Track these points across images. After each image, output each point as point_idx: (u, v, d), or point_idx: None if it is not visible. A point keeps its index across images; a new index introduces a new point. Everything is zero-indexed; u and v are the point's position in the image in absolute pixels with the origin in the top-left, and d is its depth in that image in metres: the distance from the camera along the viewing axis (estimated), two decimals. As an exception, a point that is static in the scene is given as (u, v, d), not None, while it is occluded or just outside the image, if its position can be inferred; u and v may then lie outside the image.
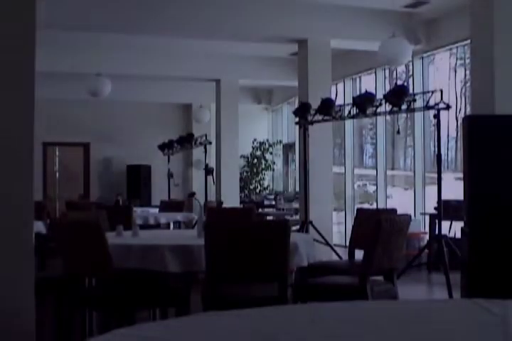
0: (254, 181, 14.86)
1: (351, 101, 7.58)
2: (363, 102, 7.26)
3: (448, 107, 6.37)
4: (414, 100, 6.75)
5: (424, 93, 6.95)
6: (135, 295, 3.99)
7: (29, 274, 3.44)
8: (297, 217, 10.28)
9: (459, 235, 7.70)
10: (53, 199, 14.46)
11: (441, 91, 6.42)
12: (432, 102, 6.49)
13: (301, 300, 4.12)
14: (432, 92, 6.58)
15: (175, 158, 13.96)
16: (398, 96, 6.68)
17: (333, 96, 8.18)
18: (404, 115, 10.96)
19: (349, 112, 7.62)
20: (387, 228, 4.03)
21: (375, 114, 7.39)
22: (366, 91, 7.60)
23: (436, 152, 6.53)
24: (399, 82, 11.02)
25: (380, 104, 7.12)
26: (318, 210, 9.04)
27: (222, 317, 1.90)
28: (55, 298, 4.29)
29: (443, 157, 8.44)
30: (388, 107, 7.03)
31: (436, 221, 6.92)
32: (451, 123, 9.89)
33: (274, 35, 9.65)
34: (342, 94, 11.75)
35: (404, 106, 6.82)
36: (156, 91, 14.27)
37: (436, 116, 6.34)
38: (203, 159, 11.40)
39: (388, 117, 11.13)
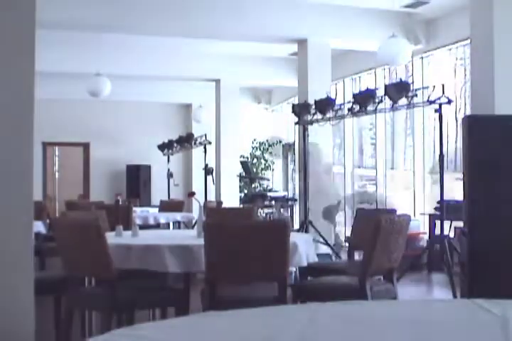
0: (257, 180, 14.83)
1: (351, 101, 7.57)
2: (364, 99, 7.25)
3: (449, 102, 6.32)
4: (416, 95, 6.71)
5: (425, 88, 6.90)
6: (135, 295, 3.99)
7: (29, 274, 3.44)
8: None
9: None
10: (53, 199, 14.47)
11: (443, 86, 6.37)
12: (433, 98, 6.45)
13: (301, 300, 4.12)
14: (434, 86, 6.52)
15: (175, 158, 13.96)
16: (399, 90, 6.66)
17: (332, 96, 8.18)
18: (403, 115, 10.96)
19: (349, 110, 7.60)
20: (387, 228, 4.03)
21: (376, 110, 7.36)
22: (367, 88, 7.59)
23: (439, 151, 6.46)
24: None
25: (381, 101, 7.11)
26: (318, 210, 9.04)
27: (222, 317, 1.90)
28: (55, 298, 4.29)
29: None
30: (389, 104, 7.01)
31: (438, 221, 6.91)
32: (450, 123, 9.88)
33: (274, 35, 9.66)
34: (342, 94, 11.74)
35: (405, 102, 6.79)
36: (156, 91, 14.28)
37: (438, 111, 6.29)
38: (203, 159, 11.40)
39: (388, 118, 11.13)
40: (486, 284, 4.96)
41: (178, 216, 8.73)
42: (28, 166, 3.47)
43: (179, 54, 11.90)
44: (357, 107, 7.42)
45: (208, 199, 10.72)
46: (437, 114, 6.37)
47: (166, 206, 9.80)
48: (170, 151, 12.97)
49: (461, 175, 5.93)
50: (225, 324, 1.80)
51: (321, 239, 8.16)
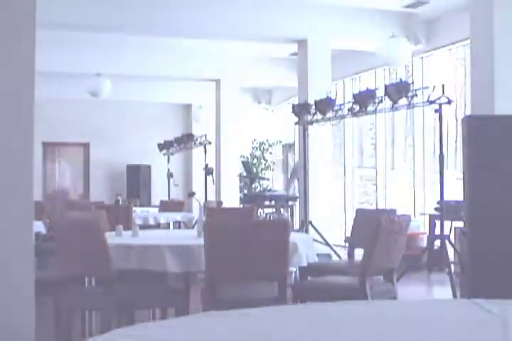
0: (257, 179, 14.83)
1: (351, 101, 7.56)
2: (364, 99, 7.25)
3: (449, 102, 6.32)
4: (416, 95, 6.71)
5: (425, 88, 6.90)
6: (135, 295, 3.99)
7: (29, 274, 3.45)
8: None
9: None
10: (53, 199, 14.47)
11: (443, 86, 6.37)
12: (432, 98, 6.45)
13: (301, 300, 4.12)
14: (434, 87, 6.52)
15: (175, 158, 13.96)
16: (399, 90, 6.66)
17: (332, 96, 8.18)
18: (403, 115, 10.96)
19: (349, 110, 7.60)
20: (387, 228, 4.04)
21: (376, 110, 7.36)
22: (367, 88, 7.59)
23: (439, 151, 6.47)
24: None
25: (381, 101, 7.11)
26: (318, 210, 9.05)
27: (222, 317, 1.90)
28: (54, 298, 4.29)
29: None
30: (389, 104, 7.01)
31: (438, 221, 6.91)
32: (450, 123, 9.89)
33: (274, 35, 9.66)
34: (342, 94, 11.74)
35: (405, 102, 6.79)
36: (156, 91, 14.28)
37: (438, 111, 6.30)
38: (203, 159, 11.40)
39: (388, 118, 11.13)
40: (486, 284, 4.96)
41: (178, 216, 8.73)
42: (28, 166, 3.47)
43: (179, 54, 11.90)
44: (357, 107, 7.41)
45: (208, 199, 10.71)
46: (437, 114, 6.37)
47: (166, 206, 9.80)
48: (170, 151, 12.96)
49: (461, 175, 5.92)
50: (225, 324, 1.80)
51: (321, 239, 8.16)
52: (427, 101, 6.45)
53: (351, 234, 5.40)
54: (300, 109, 8.50)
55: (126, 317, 4.29)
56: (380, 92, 7.12)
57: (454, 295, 5.90)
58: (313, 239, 5.32)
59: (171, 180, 13.08)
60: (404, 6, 9.29)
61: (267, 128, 16.19)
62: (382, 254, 4.06)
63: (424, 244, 8.57)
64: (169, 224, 8.72)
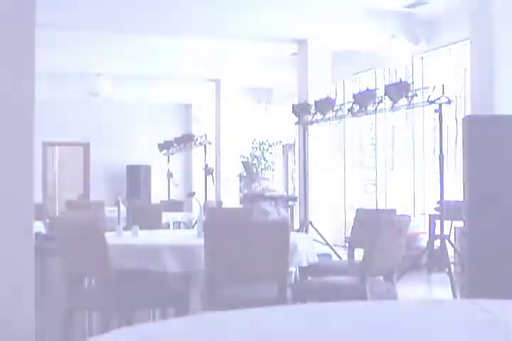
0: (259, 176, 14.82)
1: (351, 101, 7.57)
2: (364, 99, 7.26)
3: (449, 102, 6.33)
4: (416, 95, 6.72)
5: (425, 88, 6.91)
6: (134, 295, 3.99)
7: (29, 274, 3.44)
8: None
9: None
10: (53, 199, 14.47)
11: (443, 86, 6.38)
12: (432, 98, 6.45)
13: (301, 300, 4.12)
14: (434, 87, 6.53)
15: (175, 158, 13.96)
16: (399, 90, 6.67)
17: (332, 97, 8.18)
18: (403, 116, 10.95)
19: (349, 110, 7.60)
20: (387, 228, 4.04)
21: (376, 110, 7.36)
22: (367, 88, 7.60)
23: (439, 150, 6.47)
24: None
25: (381, 101, 7.11)
26: (318, 210, 9.05)
27: (222, 317, 1.90)
28: (55, 297, 4.29)
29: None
30: (389, 104, 7.01)
31: (438, 221, 6.91)
32: (450, 123, 9.88)
33: (274, 35, 9.66)
34: (342, 94, 11.74)
35: (405, 102, 6.80)
36: (156, 91, 14.28)
37: (438, 111, 6.30)
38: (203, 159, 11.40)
39: (388, 118, 11.13)
40: (486, 284, 4.96)
41: (178, 216, 8.73)
42: (28, 166, 3.47)
43: (179, 54, 11.90)
44: (357, 107, 7.42)
45: (208, 199, 10.72)
46: (437, 114, 6.38)
47: (166, 206, 9.79)
48: (170, 151, 12.97)
49: (461, 175, 5.93)
50: (225, 324, 1.80)
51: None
52: (427, 101, 6.46)
53: (351, 234, 5.40)
54: (300, 109, 8.51)
55: (126, 317, 4.29)
56: (380, 92, 7.12)
57: (454, 295, 5.90)
58: (313, 239, 5.32)
59: (171, 180, 13.09)
60: (404, 6, 9.29)
61: (267, 128, 16.18)
62: (382, 254, 4.06)
63: (424, 244, 8.57)
64: (169, 224, 8.72)
